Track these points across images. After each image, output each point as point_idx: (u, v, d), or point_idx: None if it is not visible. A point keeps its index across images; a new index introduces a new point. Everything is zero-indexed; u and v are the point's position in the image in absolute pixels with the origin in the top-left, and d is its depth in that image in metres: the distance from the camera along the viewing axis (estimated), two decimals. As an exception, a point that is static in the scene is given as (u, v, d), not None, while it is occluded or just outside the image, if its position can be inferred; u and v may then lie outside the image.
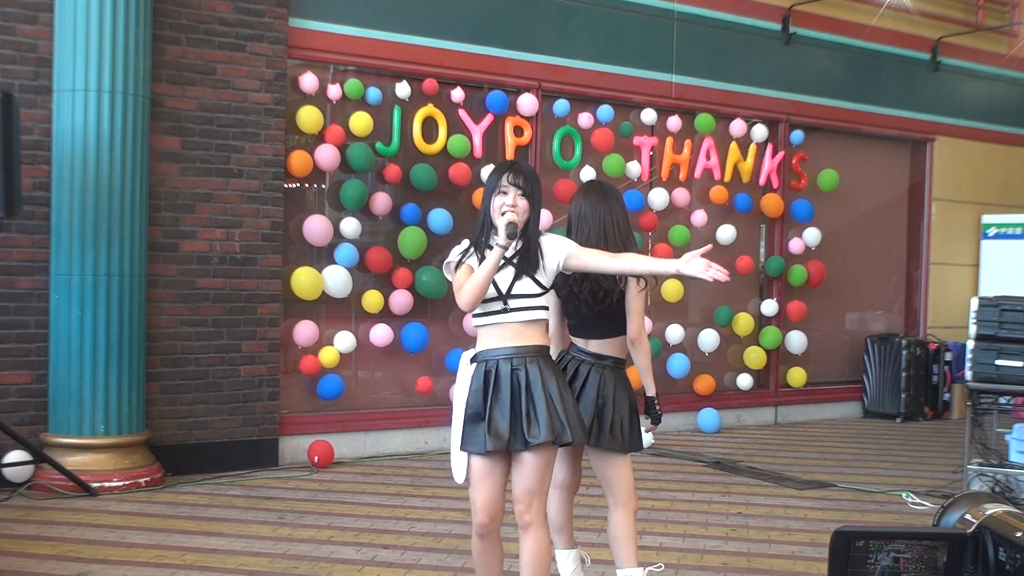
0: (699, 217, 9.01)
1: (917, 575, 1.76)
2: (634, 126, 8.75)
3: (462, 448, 3.62)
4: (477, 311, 3.62)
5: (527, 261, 3.64)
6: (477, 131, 7.86)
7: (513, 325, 3.62)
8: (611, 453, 4.03)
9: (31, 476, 6.04)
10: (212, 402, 6.77)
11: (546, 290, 3.67)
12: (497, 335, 3.62)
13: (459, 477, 3.69)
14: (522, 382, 3.56)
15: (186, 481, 6.45)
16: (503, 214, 3.55)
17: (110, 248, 6.15)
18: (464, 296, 3.55)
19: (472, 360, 3.67)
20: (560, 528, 4.28)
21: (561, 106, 8.28)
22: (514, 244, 3.61)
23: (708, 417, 8.88)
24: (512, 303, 3.62)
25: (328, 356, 7.22)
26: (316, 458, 6.97)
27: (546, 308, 3.70)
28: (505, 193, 3.61)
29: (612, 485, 4.09)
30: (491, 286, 3.58)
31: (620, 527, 4.09)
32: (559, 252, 3.63)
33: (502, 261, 3.58)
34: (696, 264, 3.37)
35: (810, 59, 9.81)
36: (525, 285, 3.64)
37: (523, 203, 3.60)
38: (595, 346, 4.04)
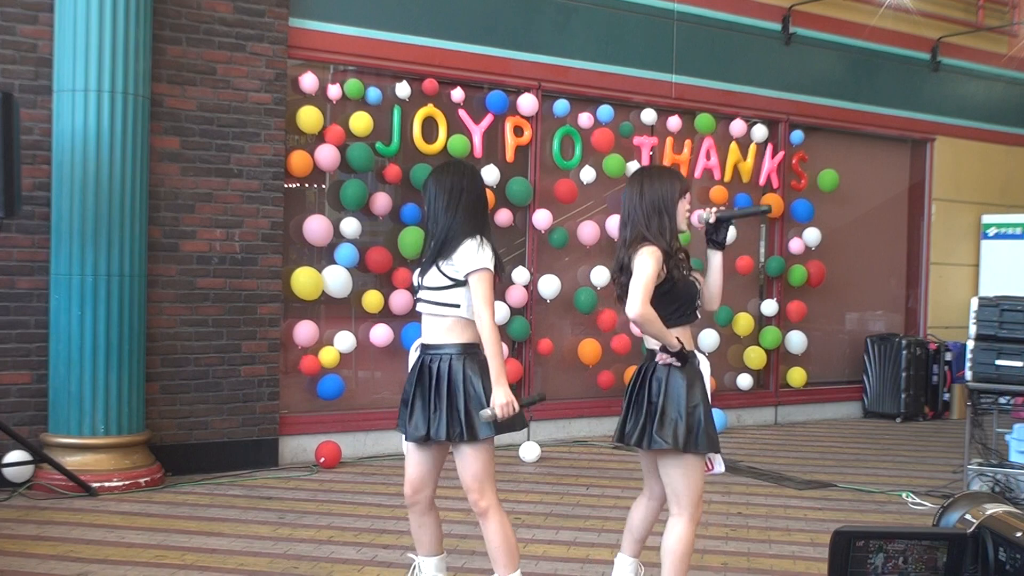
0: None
1: (917, 575, 1.76)
2: (634, 126, 8.75)
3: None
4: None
5: (432, 254, 3.82)
6: (477, 131, 7.86)
7: (423, 317, 3.88)
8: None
9: (31, 476, 6.04)
10: (212, 402, 6.77)
11: (446, 285, 3.77)
12: (423, 327, 3.91)
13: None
14: (435, 378, 3.77)
15: (186, 481, 6.45)
16: None
17: (110, 248, 6.15)
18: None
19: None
20: (636, 536, 4.06)
21: (561, 106, 8.28)
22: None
23: (715, 417, 8.86)
24: (422, 294, 3.85)
25: (328, 356, 7.22)
26: (323, 459, 6.98)
27: (455, 305, 3.77)
28: None
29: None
30: (416, 275, 3.89)
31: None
32: (464, 268, 3.75)
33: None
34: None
35: (810, 59, 9.81)
36: (430, 277, 3.82)
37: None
38: None
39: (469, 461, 3.76)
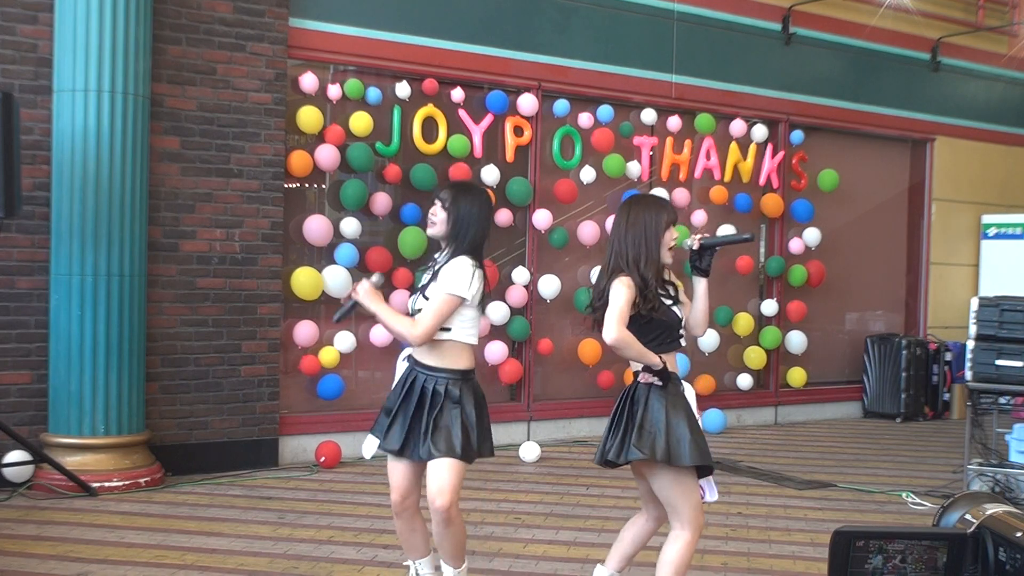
0: (699, 217, 9.00)
1: (917, 575, 1.76)
2: (634, 126, 8.75)
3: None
4: None
5: (429, 279, 3.83)
6: (477, 131, 7.86)
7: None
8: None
9: (31, 476, 6.04)
10: (212, 402, 6.77)
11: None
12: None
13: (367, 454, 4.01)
14: (428, 401, 3.77)
15: (186, 481, 6.45)
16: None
17: (110, 248, 6.15)
18: None
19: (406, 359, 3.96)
20: (624, 553, 4.02)
21: (561, 106, 8.28)
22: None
23: (713, 417, 8.87)
24: (416, 317, 3.81)
25: (328, 356, 7.22)
26: (323, 459, 6.98)
27: (445, 329, 3.77)
28: (434, 205, 3.90)
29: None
30: (414, 300, 3.88)
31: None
32: (442, 286, 3.75)
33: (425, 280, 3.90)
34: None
35: (810, 59, 9.81)
36: (420, 301, 3.82)
37: (441, 215, 3.84)
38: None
39: (445, 472, 3.74)
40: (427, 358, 3.85)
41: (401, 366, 3.97)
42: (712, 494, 3.82)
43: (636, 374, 3.75)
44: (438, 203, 3.89)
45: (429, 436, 3.74)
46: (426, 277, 3.92)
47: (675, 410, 3.65)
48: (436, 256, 3.95)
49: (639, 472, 3.80)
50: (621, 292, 3.68)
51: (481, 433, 3.84)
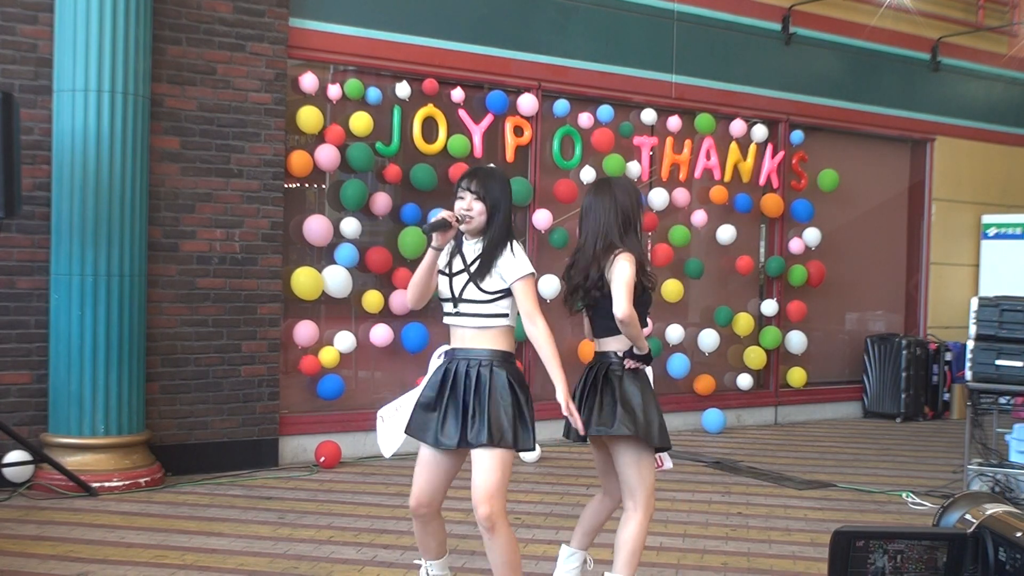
0: (699, 217, 9.01)
1: (917, 575, 1.76)
2: (634, 126, 8.75)
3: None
4: (444, 309, 3.79)
5: (479, 267, 3.69)
6: (477, 131, 7.86)
7: (460, 328, 3.74)
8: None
9: (31, 476, 6.04)
10: (212, 402, 6.77)
11: (495, 296, 3.68)
12: (454, 336, 3.77)
13: (387, 453, 3.97)
14: (472, 384, 3.64)
15: (186, 481, 6.45)
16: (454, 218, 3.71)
17: (110, 248, 6.15)
18: (407, 293, 3.92)
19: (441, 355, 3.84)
20: (585, 529, 4.25)
21: (561, 106, 8.28)
22: (473, 245, 3.74)
23: (712, 417, 8.87)
24: (462, 307, 3.72)
25: (328, 356, 7.22)
26: (323, 459, 6.98)
27: (503, 315, 3.70)
28: (461, 198, 3.72)
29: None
30: (447, 288, 3.74)
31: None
32: (510, 275, 3.67)
33: (461, 265, 3.73)
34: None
35: (810, 59, 9.81)
36: (472, 291, 3.70)
37: (478, 206, 3.69)
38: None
39: (487, 470, 3.57)
40: (468, 343, 3.70)
41: (436, 362, 3.81)
42: (668, 463, 4.21)
43: (601, 355, 4.04)
44: (469, 195, 3.68)
45: (478, 421, 3.59)
46: (451, 262, 3.75)
47: (646, 394, 3.93)
48: (465, 239, 3.76)
49: (602, 445, 4.09)
50: (626, 268, 3.86)
51: (523, 423, 3.71)
